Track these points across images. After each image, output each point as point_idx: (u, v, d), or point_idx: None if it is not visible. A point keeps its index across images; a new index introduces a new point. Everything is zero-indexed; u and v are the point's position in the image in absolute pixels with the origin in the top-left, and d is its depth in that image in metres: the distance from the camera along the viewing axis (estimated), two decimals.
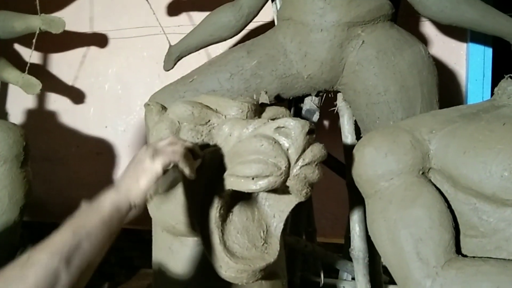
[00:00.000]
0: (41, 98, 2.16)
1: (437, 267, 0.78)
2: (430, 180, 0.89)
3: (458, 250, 0.84)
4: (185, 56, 1.57)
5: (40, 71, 2.05)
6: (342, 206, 1.69)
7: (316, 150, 0.79)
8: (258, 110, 0.96)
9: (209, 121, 0.91)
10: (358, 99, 1.21)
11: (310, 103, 1.31)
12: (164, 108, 1.05)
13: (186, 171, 0.76)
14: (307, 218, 1.59)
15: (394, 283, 1.61)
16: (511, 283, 0.73)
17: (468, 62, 1.68)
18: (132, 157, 0.75)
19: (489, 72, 1.65)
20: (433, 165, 0.89)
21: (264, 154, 0.77)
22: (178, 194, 0.89)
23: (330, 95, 1.33)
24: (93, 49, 2.09)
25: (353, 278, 1.55)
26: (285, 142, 0.77)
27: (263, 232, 0.91)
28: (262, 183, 0.77)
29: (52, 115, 2.14)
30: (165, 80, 2.03)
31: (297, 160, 0.77)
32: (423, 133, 0.90)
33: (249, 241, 0.88)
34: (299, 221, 1.55)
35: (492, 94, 1.66)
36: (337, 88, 1.27)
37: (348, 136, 1.28)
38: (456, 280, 0.76)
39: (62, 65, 2.12)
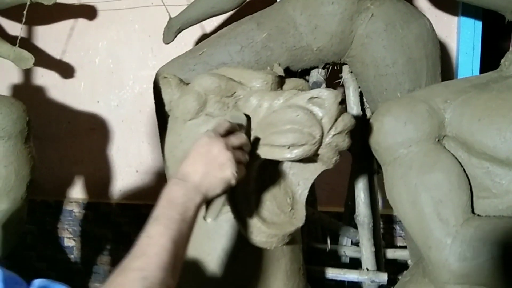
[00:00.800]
0: (27, 73, 2.09)
1: (456, 226, 0.85)
2: (445, 147, 0.95)
3: (472, 211, 0.91)
4: (185, 28, 1.55)
5: (24, 45, 1.98)
6: (338, 176, 1.76)
7: (347, 119, 0.82)
8: (280, 82, 0.98)
9: (234, 93, 0.93)
10: (366, 71, 1.24)
11: (317, 75, 1.34)
12: (181, 81, 1.06)
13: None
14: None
15: (390, 247, 1.71)
16: None
17: (459, 35, 1.74)
18: (196, 146, 0.72)
19: (479, 45, 1.72)
20: (448, 133, 0.95)
21: (299, 124, 0.80)
22: None
23: (336, 68, 1.36)
24: (82, 22, 2.02)
25: (352, 244, 1.63)
26: (319, 112, 0.80)
27: (290, 199, 0.95)
28: (297, 152, 0.81)
29: (40, 91, 2.08)
30: (159, 54, 2.02)
31: (330, 129, 0.81)
32: (438, 103, 0.95)
33: (277, 208, 0.92)
34: None
35: (481, 66, 1.75)
36: (344, 61, 1.30)
37: (353, 108, 1.32)
38: (474, 237, 0.83)
39: (48, 38, 2.04)
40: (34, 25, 2.04)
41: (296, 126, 0.80)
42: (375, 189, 1.48)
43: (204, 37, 1.92)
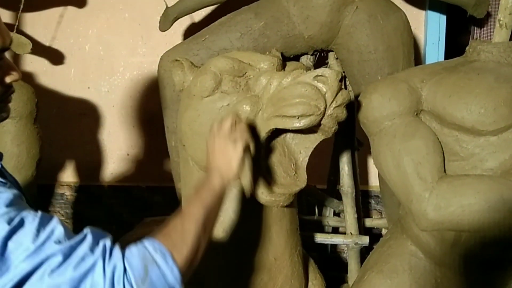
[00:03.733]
0: (15, 60, 2.11)
1: (433, 182, 1.04)
2: (421, 119, 1.13)
3: (444, 171, 1.09)
4: (181, 17, 1.66)
5: (12, 31, 2.01)
6: (319, 157, 1.93)
7: (345, 94, 0.98)
8: (283, 64, 1.12)
9: (245, 73, 1.07)
10: (350, 57, 1.41)
11: (306, 61, 1.50)
12: (192, 63, 1.18)
13: (251, 145, 0.93)
14: None
15: (368, 216, 1.90)
16: (488, 189, 1.00)
17: (427, 28, 1.95)
18: (209, 148, 0.91)
19: (443, 36, 1.93)
20: (424, 108, 1.13)
21: (307, 98, 0.95)
22: None
23: (322, 54, 1.52)
24: (71, 10, 2.07)
25: (334, 214, 1.81)
26: (323, 88, 0.96)
27: (293, 165, 1.10)
28: (305, 121, 0.96)
29: (29, 77, 2.11)
30: (148, 41, 2.11)
31: (332, 102, 0.97)
32: (416, 82, 1.13)
33: (284, 172, 1.07)
34: None
35: (445, 55, 1.96)
36: (331, 48, 1.46)
37: None
38: (447, 190, 1.02)
39: (37, 25, 2.08)
40: (23, 12, 2.07)
41: (304, 100, 0.95)
42: (356, 165, 1.66)
43: (192, 26, 2.03)
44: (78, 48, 2.10)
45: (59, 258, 0.63)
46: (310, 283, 1.30)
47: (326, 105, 0.97)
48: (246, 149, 0.91)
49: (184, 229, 0.73)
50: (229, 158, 0.88)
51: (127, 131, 2.14)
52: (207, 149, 0.93)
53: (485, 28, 1.77)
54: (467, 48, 1.21)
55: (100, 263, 0.64)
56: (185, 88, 1.16)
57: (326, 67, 1.53)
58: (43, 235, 0.64)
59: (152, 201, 2.15)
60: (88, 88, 2.14)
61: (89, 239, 0.67)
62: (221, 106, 1.05)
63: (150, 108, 2.13)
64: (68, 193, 2.18)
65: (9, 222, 0.63)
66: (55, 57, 2.11)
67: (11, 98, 0.75)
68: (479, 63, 1.15)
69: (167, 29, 1.68)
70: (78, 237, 0.67)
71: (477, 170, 1.07)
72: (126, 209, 2.17)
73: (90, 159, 2.17)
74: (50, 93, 2.11)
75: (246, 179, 0.92)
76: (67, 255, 0.64)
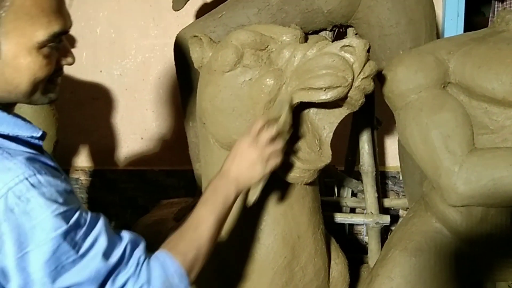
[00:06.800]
0: None
1: (462, 156, 1.01)
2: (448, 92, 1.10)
3: (473, 145, 1.06)
4: None
5: None
6: (334, 137, 1.91)
7: (372, 65, 0.95)
8: (305, 37, 1.09)
9: (267, 46, 1.03)
10: (371, 31, 1.37)
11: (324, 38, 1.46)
12: (211, 39, 1.15)
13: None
14: None
15: (385, 197, 1.88)
16: None
17: (445, 3, 1.90)
18: (239, 149, 0.87)
19: (463, 12, 1.88)
20: (451, 80, 1.10)
21: (334, 69, 0.92)
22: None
23: (341, 30, 1.48)
24: None
25: (352, 195, 1.79)
26: (350, 58, 0.93)
27: (317, 140, 1.07)
28: (332, 93, 0.93)
29: None
30: (160, 23, 2.08)
31: (359, 73, 0.93)
32: (443, 54, 1.10)
33: (308, 148, 1.05)
34: None
35: (464, 31, 1.91)
36: (350, 23, 1.42)
37: None
38: (478, 163, 0.99)
39: None
40: None
41: (331, 71, 0.92)
42: (375, 144, 1.63)
43: (204, 6, 1.99)
44: (89, 32, 2.09)
45: (103, 275, 0.66)
46: (332, 262, 1.28)
47: (353, 76, 0.93)
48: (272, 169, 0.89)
49: (200, 249, 0.77)
50: (252, 176, 0.86)
51: (140, 114, 2.13)
52: (232, 149, 0.89)
53: (508, 1, 1.72)
54: (494, 18, 1.17)
55: (131, 280, 0.69)
56: (204, 64, 1.13)
57: None
58: (88, 242, 0.66)
59: (166, 184, 2.15)
60: (100, 71, 2.12)
61: (127, 251, 0.70)
62: (243, 81, 1.02)
63: (163, 91, 2.12)
64: (83, 177, 2.18)
65: (67, 221, 0.64)
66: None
67: (59, 80, 0.75)
68: (508, 33, 1.11)
69: (181, 8, 1.64)
70: (119, 251, 0.69)
71: (508, 143, 1.04)
72: (140, 193, 2.17)
73: (104, 143, 2.16)
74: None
75: (253, 198, 0.91)
76: (110, 273, 0.67)
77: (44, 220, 0.62)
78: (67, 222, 0.64)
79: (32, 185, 0.63)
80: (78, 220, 0.66)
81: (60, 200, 0.65)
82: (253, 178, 0.86)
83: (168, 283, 0.71)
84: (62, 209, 0.64)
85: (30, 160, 0.65)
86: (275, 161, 0.88)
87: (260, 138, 0.87)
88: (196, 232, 0.78)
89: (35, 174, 0.64)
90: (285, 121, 0.93)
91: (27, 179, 0.63)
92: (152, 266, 0.71)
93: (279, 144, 0.89)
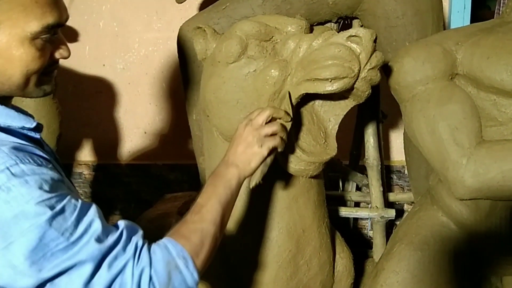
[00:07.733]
0: None
1: (470, 148, 0.99)
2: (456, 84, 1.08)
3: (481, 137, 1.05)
4: None
5: None
6: (338, 131, 1.89)
7: (379, 56, 0.93)
8: (310, 28, 1.07)
9: (272, 37, 1.02)
10: (377, 23, 1.35)
11: None
12: (215, 31, 1.13)
13: (281, 148, 0.88)
14: None
15: (390, 191, 1.87)
16: None
17: None
18: (236, 134, 0.87)
19: (469, 4, 1.85)
20: (459, 71, 1.08)
21: (340, 59, 0.90)
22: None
23: (346, 22, 1.47)
24: None
25: (357, 189, 1.78)
26: (357, 48, 0.91)
27: (322, 133, 1.06)
28: (338, 84, 0.92)
29: None
30: (163, 16, 2.06)
31: (366, 64, 0.92)
32: (451, 45, 1.08)
33: (313, 140, 1.03)
34: None
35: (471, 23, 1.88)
36: (356, 14, 1.40)
37: None
38: (486, 156, 0.98)
39: None
40: None
41: (337, 61, 0.90)
42: (381, 137, 1.62)
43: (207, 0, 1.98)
44: (92, 25, 2.07)
45: (98, 258, 0.64)
46: (337, 256, 1.27)
47: (360, 67, 0.92)
48: (272, 152, 0.87)
49: (204, 231, 0.74)
50: (250, 157, 0.84)
51: (143, 108, 2.12)
52: (233, 136, 0.88)
53: None
54: (503, 9, 1.15)
55: (130, 264, 0.66)
56: (207, 56, 1.11)
57: None
58: (81, 228, 0.65)
59: (170, 179, 2.14)
60: (104, 65, 2.11)
61: (124, 236, 0.68)
62: (247, 72, 1.01)
63: (167, 84, 2.10)
64: (86, 172, 2.18)
65: (52, 207, 0.63)
66: (69, 34, 2.07)
67: (55, 73, 0.74)
68: None
69: (184, 1, 1.64)
70: (114, 235, 0.67)
71: None
72: (144, 187, 2.16)
73: (107, 137, 2.16)
74: (65, 72, 2.09)
75: (254, 181, 0.88)
76: (104, 256, 0.65)
77: (26, 208, 0.61)
78: (52, 209, 0.62)
79: (13, 174, 0.61)
80: (66, 206, 0.64)
81: (46, 187, 0.63)
82: (252, 160, 0.84)
83: (172, 265, 0.69)
84: (46, 196, 0.62)
85: (15, 149, 0.64)
86: (273, 142, 0.86)
87: (254, 121, 0.86)
88: (197, 215, 0.76)
89: (17, 164, 0.63)
90: (284, 107, 0.91)
91: (8, 168, 0.62)
92: (153, 249, 0.69)
93: (275, 126, 0.87)
